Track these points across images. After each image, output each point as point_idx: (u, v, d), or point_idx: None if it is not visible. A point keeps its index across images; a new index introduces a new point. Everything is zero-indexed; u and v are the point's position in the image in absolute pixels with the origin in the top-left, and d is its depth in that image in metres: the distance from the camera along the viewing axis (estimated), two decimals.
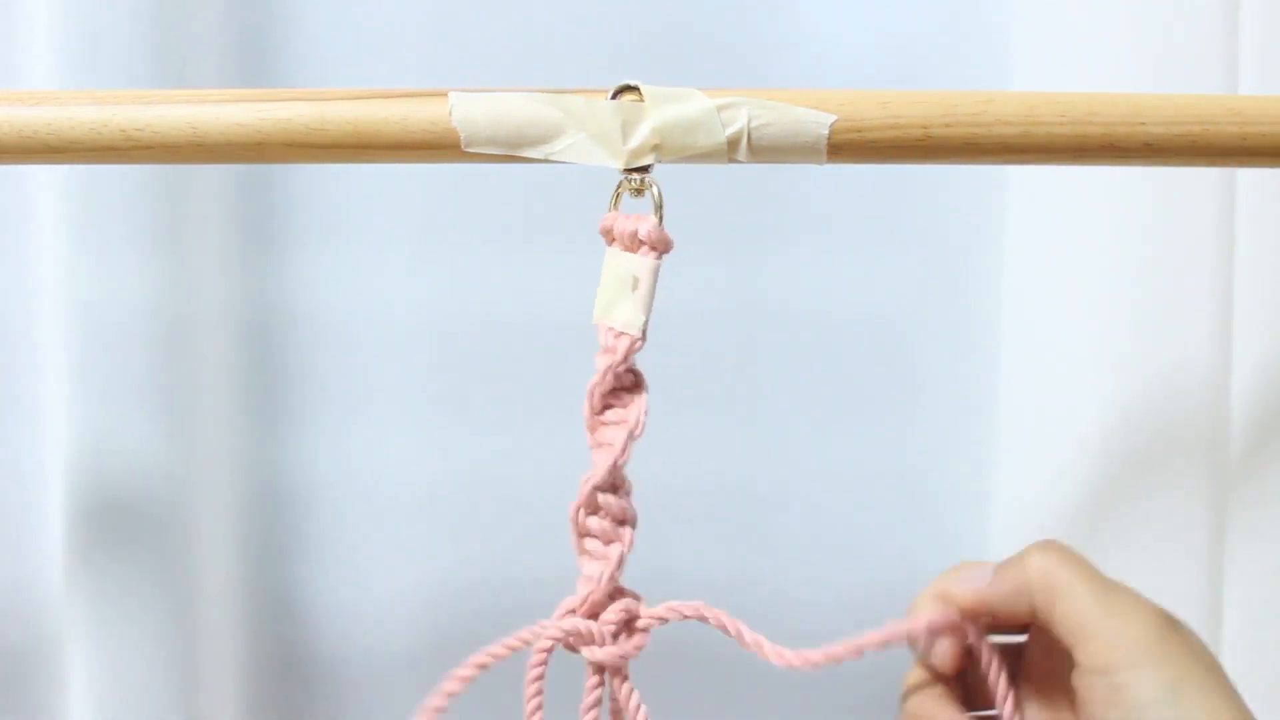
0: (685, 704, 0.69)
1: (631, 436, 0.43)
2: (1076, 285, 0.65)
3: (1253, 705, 0.39)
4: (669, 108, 0.43)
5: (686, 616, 0.44)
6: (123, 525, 0.64)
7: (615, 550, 0.44)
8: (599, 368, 0.44)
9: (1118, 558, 0.65)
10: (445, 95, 0.43)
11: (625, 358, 0.43)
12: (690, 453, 0.68)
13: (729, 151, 0.43)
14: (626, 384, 0.44)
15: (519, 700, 0.45)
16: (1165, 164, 0.45)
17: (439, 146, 0.43)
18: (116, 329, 0.63)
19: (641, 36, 0.68)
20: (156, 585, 0.65)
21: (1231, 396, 0.65)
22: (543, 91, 0.43)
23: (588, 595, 0.44)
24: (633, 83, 0.43)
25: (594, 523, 0.44)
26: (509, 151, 0.43)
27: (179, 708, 0.65)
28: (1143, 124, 0.44)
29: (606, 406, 0.44)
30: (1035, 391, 0.67)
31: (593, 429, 0.44)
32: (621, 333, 0.43)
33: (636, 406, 0.44)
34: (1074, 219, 0.64)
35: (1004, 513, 0.68)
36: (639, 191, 0.44)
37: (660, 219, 0.43)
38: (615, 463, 0.43)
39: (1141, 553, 0.65)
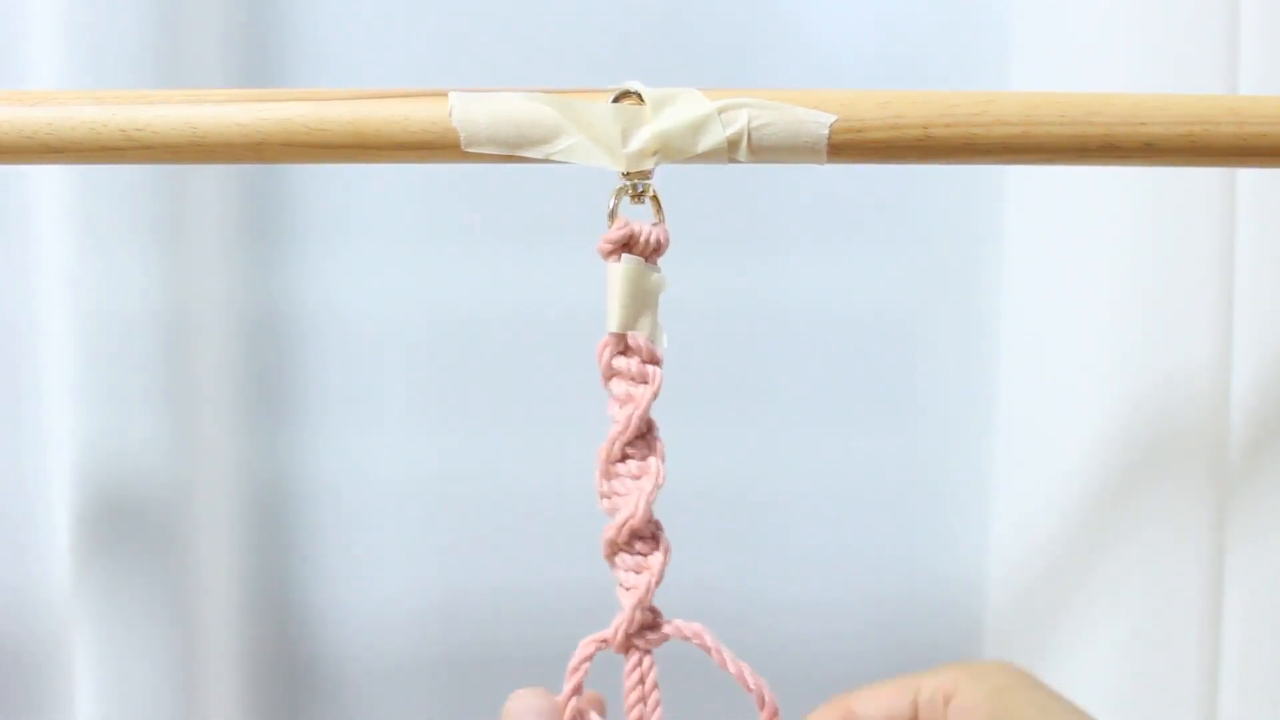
0: (689, 706, 0.69)
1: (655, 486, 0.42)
2: (1076, 285, 0.65)
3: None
4: (669, 112, 0.43)
5: (686, 638, 0.42)
6: (126, 525, 0.64)
7: (644, 577, 0.42)
8: (620, 396, 0.42)
9: (1118, 558, 0.65)
10: (445, 95, 0.43)
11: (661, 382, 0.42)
12: (688, 454, 0.68)
13: (729, 152, 0.43)
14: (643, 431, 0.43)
15: None
16: (1165, 164, 0.45)
17: (439, 146, 0.43)
18: (119, 329, 0.63)
19: (642, 36, 0.68)
20: (160, 586, 0.65)
21: (1232, 396, 0.65)
22: (543, 92, 0.43)
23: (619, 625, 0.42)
24: (632, 87, 0.43)
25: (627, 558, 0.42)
26: (509, 151, 0.43)
27: (182, 708, 0.65)
28: (1143, 124, 0.44)
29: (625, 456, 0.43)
30: (1035, 392, 0.67)
31: (608, 476, 0.43)
32: (654, 350, 0.42)
33: (655, 460, 0.42)
34: (1074, 219, 0.64)
35: (1004, 513, 0.68)
36: (639, 197, 0.43)
37: (663, 223, 0.43)
38: (639, 509, 0.42)
39: (1142, 553, 0.65)
